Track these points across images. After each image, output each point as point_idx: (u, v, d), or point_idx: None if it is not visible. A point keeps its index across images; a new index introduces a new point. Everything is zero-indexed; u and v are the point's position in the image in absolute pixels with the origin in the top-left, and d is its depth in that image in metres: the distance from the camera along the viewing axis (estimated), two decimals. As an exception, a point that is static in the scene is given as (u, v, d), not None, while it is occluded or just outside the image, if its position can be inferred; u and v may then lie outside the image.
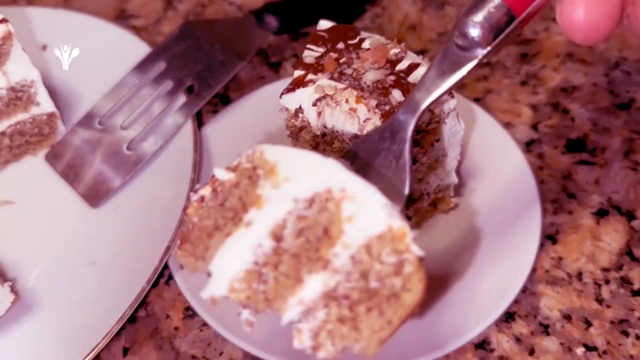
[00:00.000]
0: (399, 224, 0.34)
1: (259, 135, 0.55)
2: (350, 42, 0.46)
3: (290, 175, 0.36)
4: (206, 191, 0.38)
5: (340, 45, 0.46)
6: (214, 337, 0.47)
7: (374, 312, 0.34)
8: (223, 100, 0.60)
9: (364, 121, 0.43)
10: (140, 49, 0.59)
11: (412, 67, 0.44)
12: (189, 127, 0.54)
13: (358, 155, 0.39)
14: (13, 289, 0.46)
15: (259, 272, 0.36)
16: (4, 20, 0.49)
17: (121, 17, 0.69)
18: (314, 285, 0.35)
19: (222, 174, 0.37)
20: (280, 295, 0.36)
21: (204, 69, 0.56)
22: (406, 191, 0.37)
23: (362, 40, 0.46)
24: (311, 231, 0.35)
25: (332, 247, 0.35)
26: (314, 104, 0.44)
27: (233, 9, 0.69)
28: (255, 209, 0.36)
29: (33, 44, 0.60)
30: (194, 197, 0.38)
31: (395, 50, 0.45)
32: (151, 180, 0.53)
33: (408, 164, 0.37)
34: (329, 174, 0.35)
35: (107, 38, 0.61)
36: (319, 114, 0.44)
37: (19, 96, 0.53)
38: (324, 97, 0.44)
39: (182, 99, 0.55)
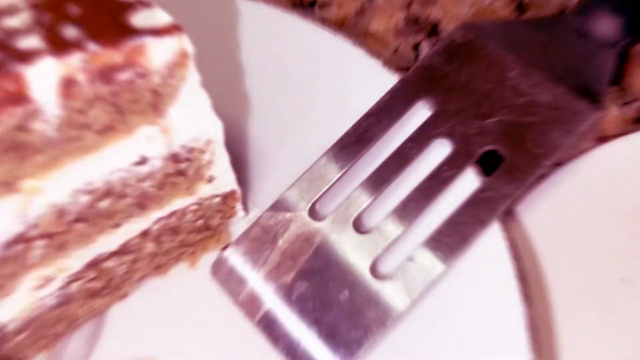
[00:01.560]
0: None
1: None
2: None
3: None
4: None
5: None
6: None
7: None
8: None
9: None
10: (371, 70, 0.33)
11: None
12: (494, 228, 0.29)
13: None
14: None
15: None
16: (175, 29, 0.23)
17: (297, 6, 0.43)
18: None
19: None
20: None
21: (513, 118, 0.30)
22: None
23: None
24: None
25: None
26: None
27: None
28: None
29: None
30: None
31: None
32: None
33: None
34: None
35: (302, 46, 0.35)
36: None
37: (181, 170, 0.28)
38: None
39: (472, 178, 0.29)
